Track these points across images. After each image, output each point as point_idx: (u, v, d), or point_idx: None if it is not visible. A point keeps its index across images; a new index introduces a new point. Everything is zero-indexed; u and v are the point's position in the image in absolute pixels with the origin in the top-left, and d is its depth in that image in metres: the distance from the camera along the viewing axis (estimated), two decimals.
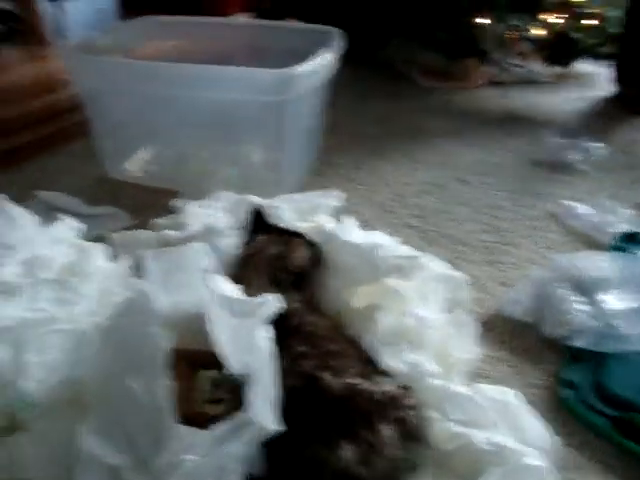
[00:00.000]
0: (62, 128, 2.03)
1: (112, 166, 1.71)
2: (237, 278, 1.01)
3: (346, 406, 0.80)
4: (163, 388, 0.79)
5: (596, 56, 2.45)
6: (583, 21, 2.43)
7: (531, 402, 1.03)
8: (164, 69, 1.49)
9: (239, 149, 1.66)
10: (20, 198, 1.56)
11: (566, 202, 1.64)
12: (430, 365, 0.93)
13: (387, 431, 0.80)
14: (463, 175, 1.81)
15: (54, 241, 1.12)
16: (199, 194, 1.49)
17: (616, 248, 1.46)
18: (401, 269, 0.98)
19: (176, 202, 1.50)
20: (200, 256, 0.91)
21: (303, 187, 1.67)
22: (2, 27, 3.24)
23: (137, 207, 1.55)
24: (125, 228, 1.45)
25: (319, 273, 1.04)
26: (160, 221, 1.36)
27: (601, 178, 1.82)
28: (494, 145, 2.02)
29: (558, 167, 1.87)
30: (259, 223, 1.11)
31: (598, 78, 2.55)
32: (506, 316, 1.23)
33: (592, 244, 1.49)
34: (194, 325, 0.88)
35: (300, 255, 1.03)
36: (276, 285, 1.00)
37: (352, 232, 1.07)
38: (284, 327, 0.88)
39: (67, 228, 1.17)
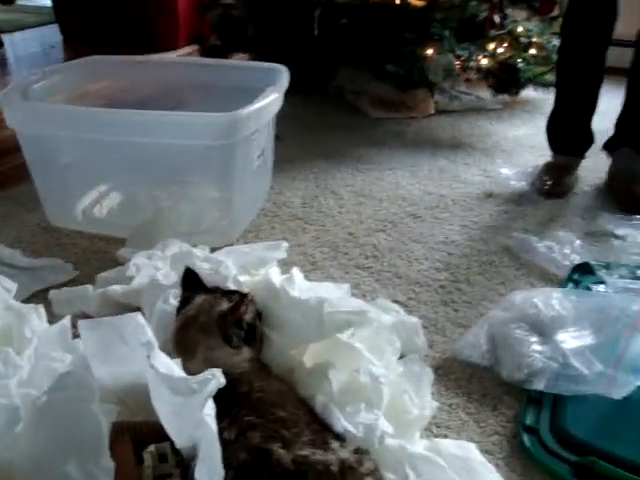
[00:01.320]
0: (1, 172, 1.96)
1: (54, 214, 1.64)
2: (181, 342, 0.97)
3: None
4: (105, 472, 0.74)
5: (542, 84, 2.47)
6: (527, 51, 2.47)
7: (491, 450, 1.02)
8: (107, 116, 1.45)
9: (188, 193, 1.61)
10: None
11: (519, 234, 1.63)
12: (386, 425, 0.90)
13: None
14: (415, 210, 1.79)
15: None
16: (147, 241, 1.44)
17: (570, 280, 1.45)
18: (350, 324, 0.94)
19: (122, 252, 1.45)
20: (138, 327, 0.87)
21: (254, 228, 1.64)
22: None
23: (81, 258, 1.50)
24: (68, 282, 1.39)
25: (264, 330, 1.01)
26: (104, 275, 1.31)
27: (553, 208, 1.83)
28: (445, 177, 2.01)
29: (510, 198, 1.87)
30: (193, 283, 1.06)
31: (544, 105, 2.58)
32: (463, 360, 1.20)
33: (546, 277, 1.49)
34: (138, 396, 0.83)
35: (251, 309, 1.00)
36: (228, 343, 0.96)
37: (299, 285, 1.03)
38: (232, 394, 0.84)
39: (1, 289, 1.10)
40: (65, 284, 1.38)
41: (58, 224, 1.64)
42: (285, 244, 1.23)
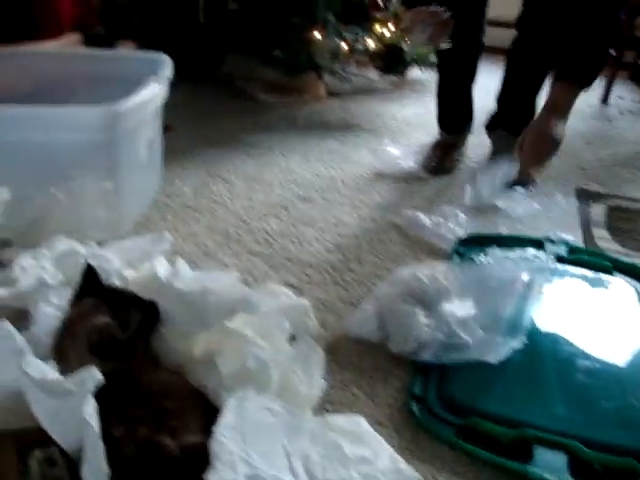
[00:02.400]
0: None
1: None
2: (56, 347, 0.94)
3: (187, 466, 0.77)
4: None
5: (428, 64, 2.55)
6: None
7: (383, 422, 1.06)
8: None
9: (74, 189, 1.57)
10: None
11: (408, 212, 1.69)
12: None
13: None
14: (306, 192, 1.82)
15: None
16: (32, 241, 1.39)
17: (456, 253, 1.52)
18: (234, 311, 0.96)
19: (6, 254, 1.40)
20: (6, 336, 0.85)
21: (145, 221, 1.62)
22: None
23: None
24: None
25: (156, 330, 0.99)
26: None
27: (440, 184, 1.90)
28: (335, 158, 2.05)
29: (398, 177, 1.93)
30: (90, 282, 1.03)
31: (432, 85, 2.66)
32: (354, 337, 1.24)
33: (434, 252, 1.55)
34: (17, 403, 0.82)
35: (134, 320, 0.97)
36: (97, 355, 0.93)
37: (185, 276, 1.03)
38: (119, 392, 0.84)
39: None
40: None
41: None
42: (169, 235, 1.22)
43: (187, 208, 1.70)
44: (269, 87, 2.60)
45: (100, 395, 0.79)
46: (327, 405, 1.08)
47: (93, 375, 0.74)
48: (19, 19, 3.39)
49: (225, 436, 0.78)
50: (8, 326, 0.87)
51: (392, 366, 1.19)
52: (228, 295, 0.96)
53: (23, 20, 3.38)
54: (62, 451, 0.82)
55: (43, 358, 0.93)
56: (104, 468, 0.71)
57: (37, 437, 0.83)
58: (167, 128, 1.81)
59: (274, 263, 1.47)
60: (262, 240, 1.57)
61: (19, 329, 1.08)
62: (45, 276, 1.18)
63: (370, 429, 0.98)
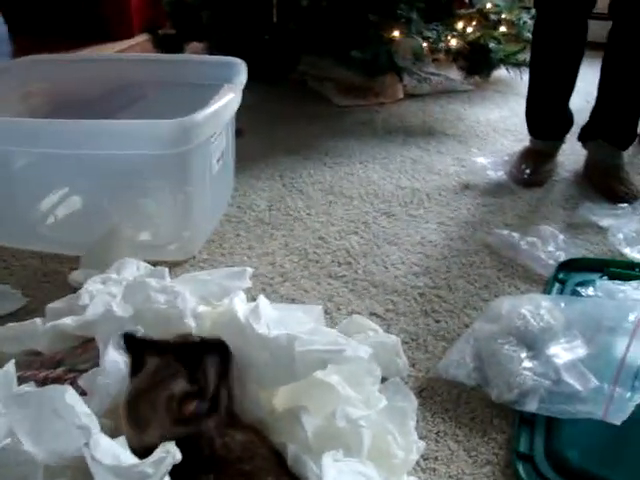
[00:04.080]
0: None
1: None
2: (132, 416, 0.83)
3: None
4: None
5: (513, 63, 2.37)
6: (497, 29, 2.37)
7: None
8: (47, 127, 1.33)
9: (144, 206, 1.50)
10: None
11: (500, 231, 1.54)
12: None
13: None
14: (388, 207, 1.68)
15: None
16: (103, 261, 1.32)
17: (556, 280, 1.37)
18: (325, 363, 0.84)
19: (75, 276, 1.33)
20: (69, 406, 0.75)
21: (218, 237, 1.53)
22: None
23: (32, 282, 1.37)
24: (17, 310, 1.27)
25: (231, 380, 0.88)
26: (54, 305, 1.17)
27: (533, 198, 1.74)
28: (419, 168, 1.91)
29: (487, 189, 1.78)
30: (137, 344, 0.91)
31: (517, 84, 2.49)
32: (448, 379, 1.11)
33: (531, 278, 1.41)
34: (83, 468, 0.73)
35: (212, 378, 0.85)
36: (182, 422, 0.81)
37: (267, 317, 0.92)
38: (196, 461, 0.74)
39: None
40: (14, 313, 1.26)
41: (4, 242, 1.51)
42: (250, 270, 1.11)
43: (262, 223, 1.60)
44: (344, 89, 2.47)
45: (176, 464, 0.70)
46: (420, 460, 0.97)
47: (172, 454, 0.65)
48: (89, 20, 3.39)
49: None
50: (69, 395, 0.78)
51: (492, 415, 1.07)
52: (318, 344, 0.84)
53: (93, 21, 3.38)
54: None
55: (112, 410, 0.85)
56: None
57: None
58: (238, 132, 1.71)
59: (356, 288, 1.35)
60: (343, 261, 1.45)
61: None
62: (114, 306, 1.09)
63: None
